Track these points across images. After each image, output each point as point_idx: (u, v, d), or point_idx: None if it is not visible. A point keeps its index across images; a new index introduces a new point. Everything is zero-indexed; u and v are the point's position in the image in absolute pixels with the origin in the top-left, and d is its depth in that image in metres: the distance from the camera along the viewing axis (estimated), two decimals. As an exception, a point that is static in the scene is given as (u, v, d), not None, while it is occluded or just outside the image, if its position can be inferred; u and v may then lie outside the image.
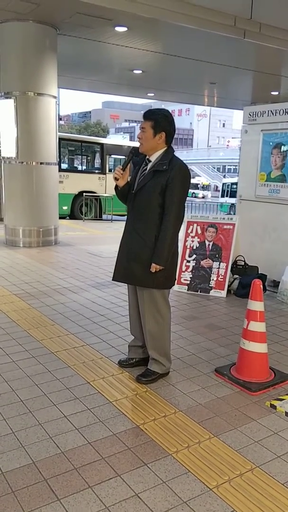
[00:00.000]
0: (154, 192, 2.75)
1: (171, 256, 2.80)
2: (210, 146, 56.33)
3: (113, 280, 2.99)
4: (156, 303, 2.88)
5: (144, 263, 2.79)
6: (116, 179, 2.89)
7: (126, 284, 3.09)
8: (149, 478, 2.07)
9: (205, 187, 41.97)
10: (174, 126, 2.86)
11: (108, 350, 3.45)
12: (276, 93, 13.01)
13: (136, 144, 2.99)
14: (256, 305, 3.00)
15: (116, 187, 2.96)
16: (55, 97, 7.59)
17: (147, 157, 2.88)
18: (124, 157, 3.28)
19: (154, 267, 2.76)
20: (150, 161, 2.86)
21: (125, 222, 3.00)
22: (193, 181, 44.66)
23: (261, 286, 3.02)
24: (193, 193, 39.48)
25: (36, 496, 1.94)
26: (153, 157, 2.85)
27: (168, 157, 2.79)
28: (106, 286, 5.19)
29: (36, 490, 1.97)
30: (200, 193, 39.66)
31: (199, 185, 42.00)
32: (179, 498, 1.95)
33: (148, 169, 2.84)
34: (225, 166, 50.20)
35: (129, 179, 2.96)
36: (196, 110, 61.86)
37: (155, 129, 2.77)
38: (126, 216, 3.03)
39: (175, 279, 2.98)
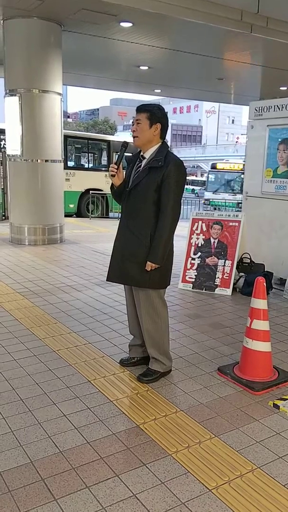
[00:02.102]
0: (149, 189, 2.71)
1: (166, 254, 2.76)
2: (236, 142, 54.35)
3: (107, 280, 2.95)
4: (152, 302, 2.84)
5: (139, 263, 2.75)
6: (112, 175, 2.85)
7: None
8: (147, 478, 2.04)
9: None
10: (168, 120, 2.83)
11: (110, 349, 3.43)
12: (285, 88, 12.87)
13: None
14: (260, 303, 2.95)
15: (112, 186, 2.92)
16: (60, 94, 7.57)
17: (142, 153, 2.84)
18: (131, 154, 3.25)
19: (150, 266, 2.72)
20: (144, 158, 2.82)
21: (119, 220, 2.96)
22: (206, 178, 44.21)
23: (265, 283, 2.97)
24: None
25: (33, 496, 1.92)
26: (148, 153, 2.80)
27: (163, 153, 2.75)
28: (110, 284, 5.15)
29: (33, 490, 1.95)
30: None
31: None
32: (177, 499, 1.92)
33: (142, 165, 2.79)
34: (234, 163, 49.80)
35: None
36: (205, 106, 61.51)
37: (151, 120, 2.73)
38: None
39: (170, 278, 2.93)
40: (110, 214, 13.17)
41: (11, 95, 7.33)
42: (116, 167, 2.84)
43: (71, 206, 12.29)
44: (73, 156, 13.61)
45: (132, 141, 2.83)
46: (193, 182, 41.17)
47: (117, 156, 3.00)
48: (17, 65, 7.25)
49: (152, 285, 2.80)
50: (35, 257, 6.67)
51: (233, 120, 64.85)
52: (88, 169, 13.36)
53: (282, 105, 5.16)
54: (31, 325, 3.88)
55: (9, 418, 2.48)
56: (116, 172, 2.84)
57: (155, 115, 2.74)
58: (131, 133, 2.82)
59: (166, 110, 2.90)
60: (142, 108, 2.77)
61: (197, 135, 66.13)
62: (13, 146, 7.50)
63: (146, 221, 2.75)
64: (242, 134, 51.48)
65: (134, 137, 2.79)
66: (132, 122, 2.82)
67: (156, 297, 2.85)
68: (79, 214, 12.72)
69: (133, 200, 2.79)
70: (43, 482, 2.00)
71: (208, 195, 19.32)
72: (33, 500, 1.89)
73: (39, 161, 7.45)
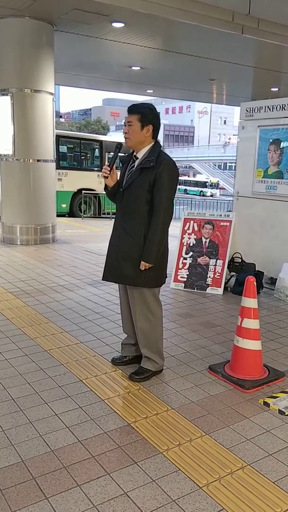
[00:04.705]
0: (142, 189, 2.72)
1: (161, 253, 2.78)
2: (228, 143, 52.94)
3: (103, 279, 2.96)
4: (146, 301, 2.86)
5: (134, 262, 2.76)
6: (105, 177, 2.86)
7: (117, 283, 3.06)
8: (138, 476, 2.05)
9: (213, 185, 41.50)
10: (159, 120, 2.84)
11: (102, 348, 3.43)
12: (276, 89, 12.96)
13: None
14: (250, 302, 2.97)
15: (106, 187, 2.93)
16: (52, 93, 7.56)
17: (134, 153, 2.85)
18: (124, 154, 3.28)
19: (144, 265, 2.73)
20: (137, 158, 2.83)
21: (114, 220, 2.97)
22: (201, 178, 44.48)
23: (255, 283, 2.99)
24: (201, 191, 39.20)
25: (24, 495, 1.92)
26: (140, 154, 2.82)
27: (155, 153, 2.76)
28: (102, 284, 5.16)
29: (24, 488, 1.96)
30: (208, 191, 39.21)
31: (207, 183, 41.54)
32: (168, 497, 1.93)
33: (135, 166, 2.81)
34: (226, 163, 50.12)
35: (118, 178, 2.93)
36: (197, 107, 61.70)
37: (142, 122, 2.74)
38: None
39: (165, 277, 2.95)
40: (103, 214, 13.16)
41: (2, 94, 7.29)
42: (109, 168, 2.84)
43: (64, 206, 12.26)
44: (66, 156, 13.58)
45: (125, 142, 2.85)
46: (185, 182, 41.34)
47: (110, 156, 3.02)
48: (9, 64, 7.22)
49: (147, 284, 2.81)
50: (27, 257, 6.65)
51: (225, 121, 65.11)
52: (80, 169, 13.33)
53: (272, 106, 5.20)
54: (22, 325, 3.87)
55: (0, 417, 2.48)
56: (109, 174, 2.85)
57: (146, 116, 2.74)
58: (124, 134, 2.83)
59: (158, 111, 2.91)
60: (133, 110, 2.77)
61: (189, 136, 66.26)
62: (4, 146, 7.47)
63: (140, 220, 2.76)
64: (234, 135, 51.68)
65: (126, 138, 2.80)
66: (124, 123, 2.82)
67: (150, 295, 2.86)
68: (71, 214, 12.69)
69: (127, 200, 2.80)
70: (35, 481, 2.00)
71: None
72: (24, 499, 1.89)
73: (31, 160, 7.43)
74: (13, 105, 7.20)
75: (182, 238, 5.35)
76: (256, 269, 5.22)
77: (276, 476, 2.09)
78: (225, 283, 5.10)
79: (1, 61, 7.27)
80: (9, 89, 7.22)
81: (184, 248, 5.31)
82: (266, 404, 2.70)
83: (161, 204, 2.70)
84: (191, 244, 5.29)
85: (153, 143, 2.82)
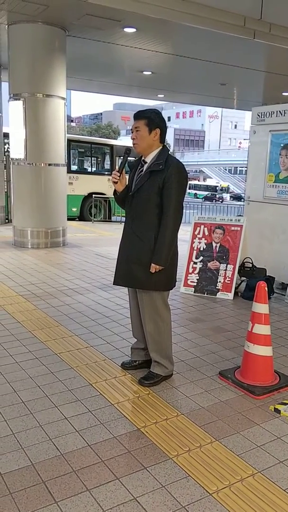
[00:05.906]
0: (151, 193, 2.74)
1: (171, 256, 2.78)
2: (239, 147, 52.21)
3: (114, 284, 2.98)
4: (155, 305, 2.86)
5: (144, 265, 2.77)
6: (114, 182, 2.88)
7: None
8: (148, 482, 2.05)
9: (224, 189, 41.50)
10: (165, 124, 2.86)
11: (111, 352, 3.43)
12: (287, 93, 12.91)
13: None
14: (261, 308, 2.95)
15: (115, 192, 2.95)
16: (64, 98, 7.62)
17: (143, 158, 2.87)
18: (134, 158, 3.32)
19: (154, 268, 2.74)
20: (145, 162, 2.85)
21: (124, 224, 2.98)
22: (211, 182, 44.55)
23: (266, 288, 2.97)
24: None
25: (34, 498, 1.92)
26: (149, 158, 2.83)
27: (164, 156, 2.78)
28: (112, 288, 5.17)
29: (34, 492, 1.96)
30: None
31: (217, 188, 41.55)
32: (177, 503, 1.92)
33: (144, 170, 2.82)
34: (236, 167, 50.03)
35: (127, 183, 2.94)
36: (208, 111, 61.75)
37: (150, 126, 2.76)
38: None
39: (175, 281, 2.95)
40: (113, 218, 13.19)
41: (15, 99, 7.38)
42: (118, 174, 2.86)
43: (74, 209, 12.32)
44: (76, 160, 13.65)
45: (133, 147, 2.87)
46: (195, 187, 41.40)
47: (120, 161, 3.03)
48: (22, 69, 7.30)
49: (158, 287, 2.81)
50: (37, 260, 6.69)
51: (235, 125, 65.03)
52: (91, 173, 13.39)
53: (284, 110, 5.18)
54: (33, 328, 3.89)
55: (11, 420, 2.49)
56: (119, 179, 2.86)
57: (153, 120, 2.77)
58: (132, 140, 2.85)
59: (169, 115, 2.94)
60: (139, 115, 2.80)
61: (200, 140, 66.27)
62: (16, 150, 7.55)
63: (150, 223, 2.77)
64: (244, 139, 51.57)
65: (134, 144, 2.82)
66: (131, 130, 2.84)
67: (159, 300, 2.87)
68: (81, 217, 12.74)
69: (136, 204, 2.82)
70: (44, 485, 2.00)
71: None
72: (34, 503, 1.90)
73: (42, 165, 7.49)
74: (25, 110, 7.27)
75: (193, 242, 5.34)
76: (267, 274, 5.18)
77: (287, 483, 2.06)
78: (236, 288, 5.07)
79: (14, 66, 7.37)
80: (21, 94, 7.30)
81: (195, 252, 5.30)
82: (276, 410, 2.67)
83: (170, 206, 2.71)
84: (201, 249, 5.28)
85: (161, 147, 2.85)
